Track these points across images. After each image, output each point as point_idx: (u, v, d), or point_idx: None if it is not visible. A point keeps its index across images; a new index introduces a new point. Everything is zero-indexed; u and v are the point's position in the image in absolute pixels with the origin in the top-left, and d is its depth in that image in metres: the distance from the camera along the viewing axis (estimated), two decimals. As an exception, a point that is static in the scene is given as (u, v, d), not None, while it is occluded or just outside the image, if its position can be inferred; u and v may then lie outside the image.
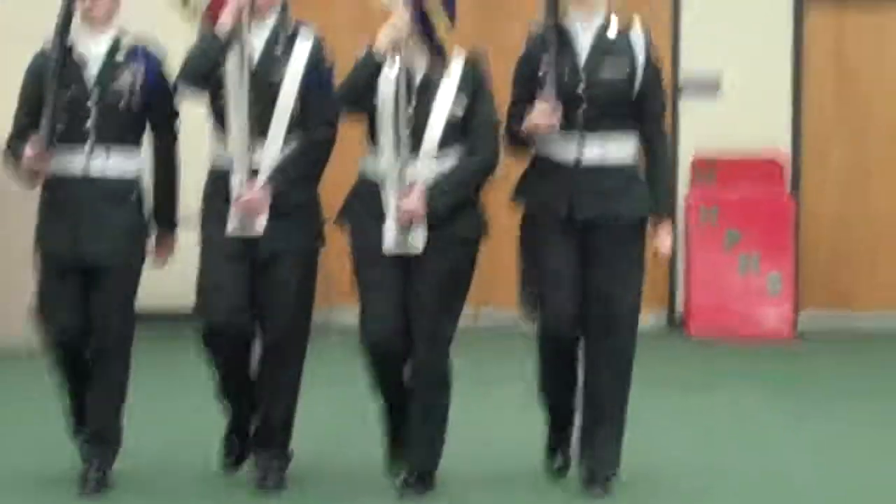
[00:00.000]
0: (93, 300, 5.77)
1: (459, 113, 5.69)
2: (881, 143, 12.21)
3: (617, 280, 5.71)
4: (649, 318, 10.80)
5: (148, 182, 5.99)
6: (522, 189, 5.86)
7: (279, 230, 5.73)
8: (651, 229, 5.77)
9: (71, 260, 5.73)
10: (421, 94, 5.67)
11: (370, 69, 5.56)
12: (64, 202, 5.75)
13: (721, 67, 12.13)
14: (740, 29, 12.08)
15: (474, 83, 5.72)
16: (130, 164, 5.81)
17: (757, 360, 10.33)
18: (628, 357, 5.85)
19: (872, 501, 6.24)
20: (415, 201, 5.53)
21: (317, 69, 5.81)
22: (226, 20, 5.65)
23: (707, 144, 12.07)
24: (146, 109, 5.84)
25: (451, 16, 5.64)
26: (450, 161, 5.67)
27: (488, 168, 5.73)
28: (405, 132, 5.62)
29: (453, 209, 5.66)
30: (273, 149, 5.74)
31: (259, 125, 5.75)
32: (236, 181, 5.71)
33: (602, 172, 5.70)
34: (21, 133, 5.73)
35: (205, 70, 5.70)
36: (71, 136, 5.70)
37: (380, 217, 5.64)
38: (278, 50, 5.82)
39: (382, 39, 5.51)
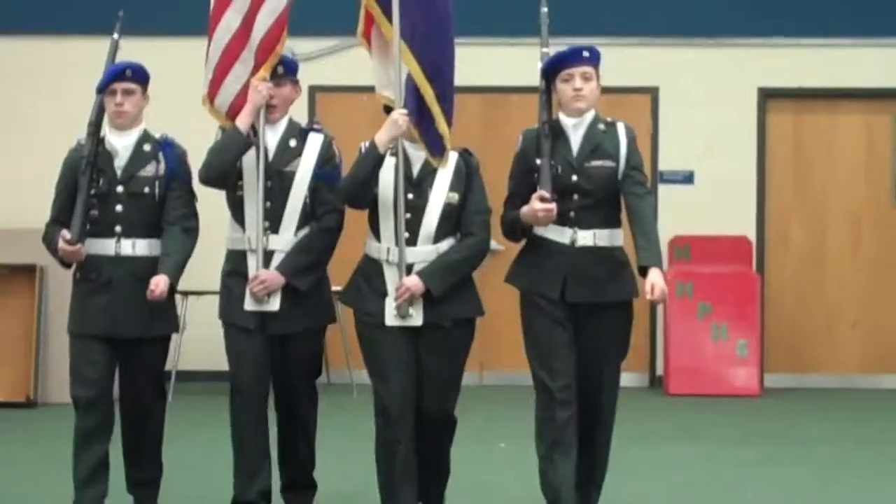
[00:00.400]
0: (127, 368, 5.87)
1: (455, 201, 5.66)
2: (835, 227, 12.60)
3: (605, 355, 5.71)
4: (633, 378, 11.16)
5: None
6: (517, 272, 5.85)
7: (292, 309, 5.79)
8: (644, 277, 5.62)
9: (104, 332, 5.78)
10: (419, 184, 5.63)
11: (372, 162, 5.53)
12: (97, 280, 5.80)
13: (695, 161, 12.44)
14: (712, 127, 12.40)
15: (468, 174, 5.69)
16: (157, 244, 5.85)
17: (727, 415, 10.54)
18: (611, 420, 5.85)
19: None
20: (413, 279, 5.53)
21: (327, 162, 5.86)
22: (244, 118, 5.74)
23: (683, 227, 12.30)
24: (167, 195, 5.90)
25: (448, 118, 5.65)
26: (446, 245, 5.66)
27: (481, 252, 5.70)
28: (404, 218, 5.57)
29: (450, 290, 5.63)
30: (287, 233, 5.81)
31: (274, 211, 5.81)
32: (252, 263, 5.77)
33: (593, 257, 5.66)
34: (57, 220, 5.84)
35: (226, 164, 5.74)
36: (103, 220, 5.77)
37: (383, 294, 5.63)
38: (292, 144, 5.86)
39: (384, 135, 5.51)
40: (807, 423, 10.36)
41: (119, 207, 5.76)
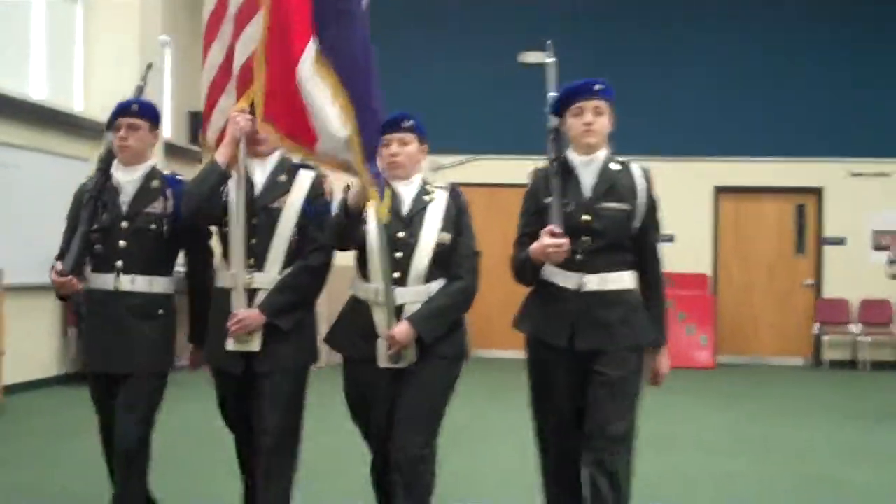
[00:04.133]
0: (118, 402, 4.10)
1: (447, 241, 3.90)
2: (758, 269, 13.38)
3: (616, 406, 3.69)
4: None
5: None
6: (525, 316, 3.92)
7: (274, 349, 3.97)
8: (650, 354, 3.82)
9: (100, 367, 4.12)
10: (410, 222, 3.90)
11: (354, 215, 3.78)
12: (97, 314, 4.14)
13: (676, 228, 12.52)
14: (686, 207, 12.93)
15: (457, 213, 3.95)
16: (159, 283, 4.14)
17: (694, 379, 11.13)
18: (624, 473, 3.71)
19: (778, 457, 6.61)
20: (404, 332, 3.78)
21: (316, 199, 4.05)
22: (221, 150, 3.96)
23: (668, 268, 12.87)
24: (176, 234, 4.16)
25: (367, 151, 3.71)
26: (436, 285, 3.88)
27: (470, 297, 3.94)
28: (389, 259, 3.82)
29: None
30: (271, 271, 3.99)
31: (259, 248, 3.99)
32: (234, 300, 3.96)
33: (603, 301, 3.72)
34: (62, 253, 4.15)
35: (202, 196, 3.92)
36: (105, 255, 4.11)
37: (370, 336, 3.85)
38: (281, 179, 4.06)
39: (353, 198, 3.75)
40: (740, 384, 10.98)
41: (122, 243, 4.11)
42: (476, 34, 13.15)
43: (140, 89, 4.35)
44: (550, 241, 3.63)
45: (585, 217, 3.75)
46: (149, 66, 4.54)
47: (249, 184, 4.01)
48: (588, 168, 3.81)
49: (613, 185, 3.78)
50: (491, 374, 10.45)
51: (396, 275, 3.86)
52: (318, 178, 4.10)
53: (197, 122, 10.56)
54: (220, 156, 3.96)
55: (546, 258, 3.68)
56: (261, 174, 4.06)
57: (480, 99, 13.01)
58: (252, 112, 3.91)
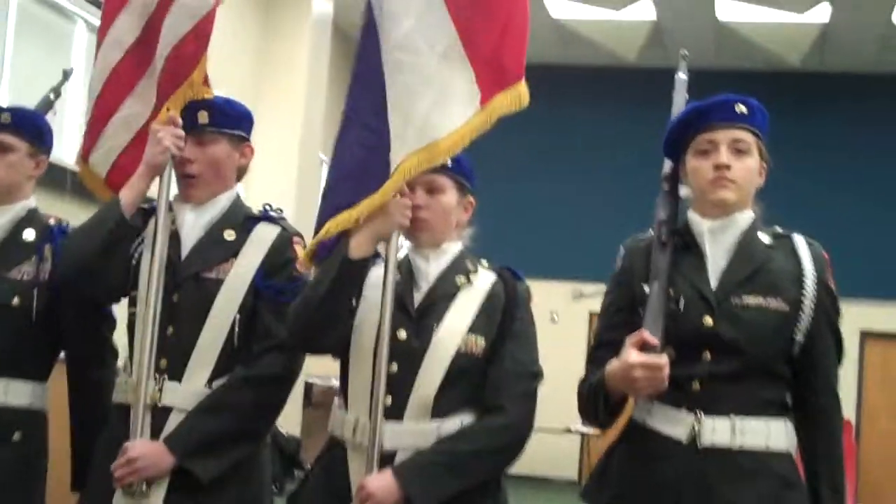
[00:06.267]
0: None
1: (479, 350, 2.41)
2: None
3: None
4: None
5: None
6: (602, 481, 2.45)
7: None
8: None
9: None
10: (422, 316, 2.43)
11: (341, 280, 2.32)
12: None
13: None
14: None
15: (508, 307, 2.46)
16: (20, 390, 2.75)
17: None
18: None
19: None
20: (384, 479, 2.30)
21: (278, 270, 2.62)
22: (130, 186, 2.60)
23: None
24: (53, 312, 2.78)
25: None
26: (453, 423, 2.38)
27: (514, 443, 2.40)
28: (385, 373, 2.34)
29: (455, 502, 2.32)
30: (195, 380, 2.55)
31: (178, 343, 2.57)
32: (132, 425, 2.52)
33: (733, 466, 2.28)
34: None
35: (87, 255, 2.55)
36: None
37: (345, 499, 2.37)
38: (227, 237, 2.64)
39: (362, 235, 2.36)
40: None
41: None
42: (616, 160, 13.31)
43: (48, 103, 3.08)
44: (639, 358, 2.22)
45: (708, 320, 2.32)
46: (66, 74, 3.22)
47: (175, 240, 2.63)
48: (719, 239, 2.39)
49: (761, 268, 2.37)
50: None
51: (388, 401, 2.37)
52: (285, 238, 2.68)
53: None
54: (127, 195, 2.60)
55: (631, 388, 2.27)
56: (194, 226, 2.67)
57: (624, 226, 13.29)
58: (186, 125, 2.61)
